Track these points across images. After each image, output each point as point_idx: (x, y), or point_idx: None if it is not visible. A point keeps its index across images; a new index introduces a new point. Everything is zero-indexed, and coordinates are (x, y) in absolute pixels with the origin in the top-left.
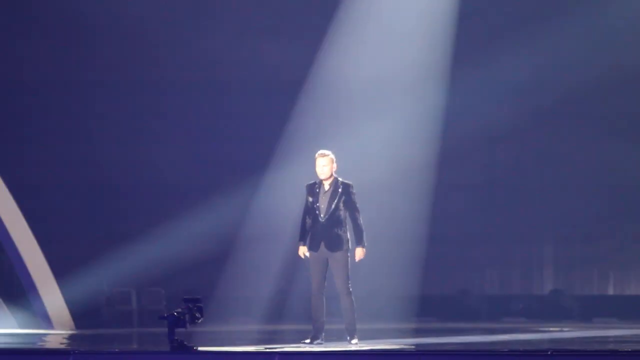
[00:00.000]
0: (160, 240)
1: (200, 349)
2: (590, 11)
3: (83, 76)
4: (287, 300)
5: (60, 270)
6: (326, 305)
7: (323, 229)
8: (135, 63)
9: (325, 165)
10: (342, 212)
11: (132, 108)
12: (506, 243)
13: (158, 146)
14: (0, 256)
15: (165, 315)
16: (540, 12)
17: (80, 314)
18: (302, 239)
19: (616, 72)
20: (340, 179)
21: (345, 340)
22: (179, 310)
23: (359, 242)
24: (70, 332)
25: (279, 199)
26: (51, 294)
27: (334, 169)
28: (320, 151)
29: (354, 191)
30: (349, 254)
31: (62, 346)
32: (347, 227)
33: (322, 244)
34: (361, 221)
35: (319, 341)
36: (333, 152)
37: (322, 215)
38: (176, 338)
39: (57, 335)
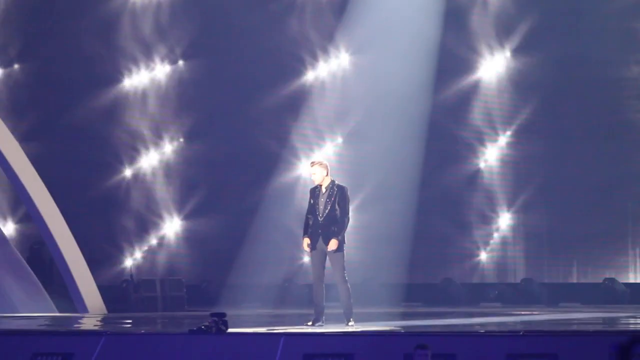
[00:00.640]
0: (180, 235)
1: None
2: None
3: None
4: (291, 287)
5: (94, 261)
6: (326, 292)
7: (321, 226)
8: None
9: (314, 173)
10: (338, 212)
11: None
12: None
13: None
14: (42, 250)
15: (195, 329)
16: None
17: (111, 300)
18: (306, 234)
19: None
20: (336, 182)
21: (343, 322)
22: (206, 324)
23: (336, 234)
24: (102, 315)
25: (288, 198)
26: (86, 282)
27: (325, 174)
28: (311, 161)
29: (348, 193)
30: (344, 248)
31: (96, 328)
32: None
33: (321, 239)
34: (345, 220)
35: (319, 323)
36: (326, 159)
37: (320, 215)
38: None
39: (91, 318)
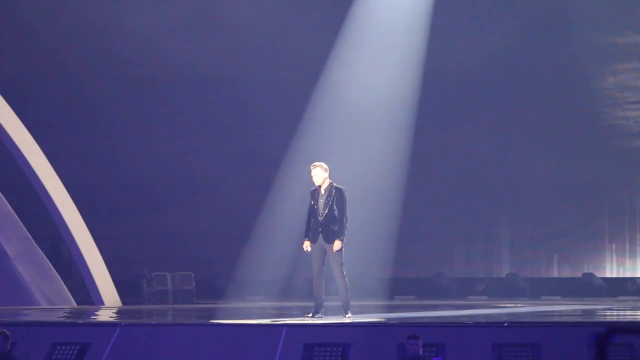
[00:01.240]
0: (189, 232)
1: (220, 321)
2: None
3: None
4: (293, 281)
5: (110, 257)
6: (325, 286)
7: (321, 225)
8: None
9: (315, 175)
10: (336, 212)
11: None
12: (470, 236)
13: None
14: (62, 246)
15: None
16: None
17: (126, 293)
18: (306, 236)
19: None
20: (334, 184)
21: (341, 314)
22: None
23: (338, 235)
24: (117, 307)
25: (289, 198)
26: (102, 276)
27: (326, 176)
28: (312, 163)
29: (345, 194)
30: (342, 245)
31: (111, 319)
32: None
33: (321, 236)
34: (344, 220)
35: (319, 315)
36: (326, 162)
37: (320, 215)
38: None
39: (107, 310)
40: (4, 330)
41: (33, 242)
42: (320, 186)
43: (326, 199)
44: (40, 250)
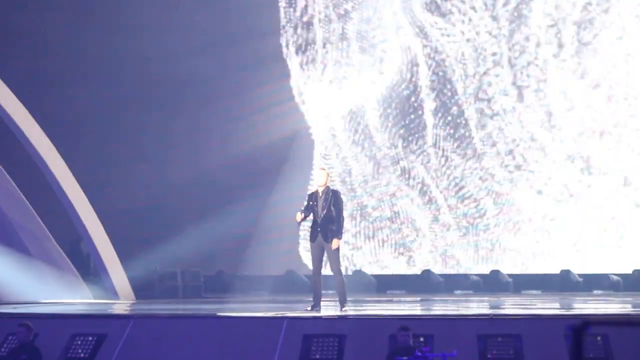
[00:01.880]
0: (196, 232)
1: (226, 314)
2: None
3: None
4: (294, 278)
5: (124, 254)
6: (323, 282)
7: (320, 225)
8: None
9: (321, 177)
10: (333, 212)
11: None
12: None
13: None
14: (80, 244)
15: None
16: None
17: (139, 288)
18: (301, 212)
19: None
20: (332, 187)
21: (338, 308)
22: None
23: (335, 234)
24: (131, 301)
25: (289, 200)
26: (117, 273)
27: (328, 181)
28: (320, 167)
29: (341, 196)
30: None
31: (126, 312)
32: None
33: (319, 235)
34: (341, 219)
35: (317, 309)
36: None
37: (318, 215)
38: None
39: (121, 304)
40: (27, 322)
41: (53, 240)
42: (319, 188)
43: (324, 201)
44: (60, 249)
